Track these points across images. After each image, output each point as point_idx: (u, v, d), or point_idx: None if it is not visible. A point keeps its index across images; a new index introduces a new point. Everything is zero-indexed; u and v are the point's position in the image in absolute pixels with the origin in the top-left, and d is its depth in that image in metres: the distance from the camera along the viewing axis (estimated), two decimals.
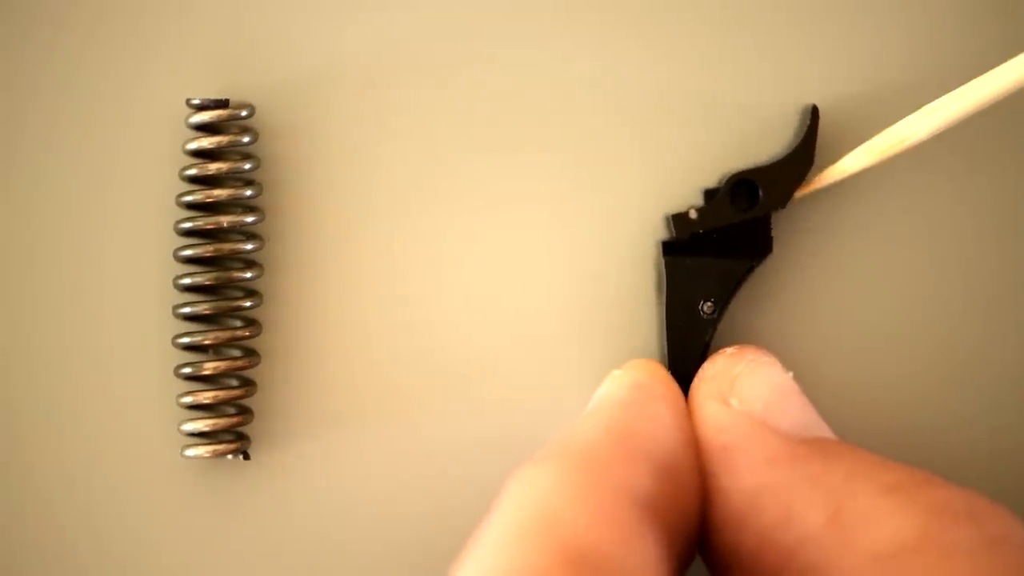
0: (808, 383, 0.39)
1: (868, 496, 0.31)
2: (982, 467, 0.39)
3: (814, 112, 0.38)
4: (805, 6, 0.40)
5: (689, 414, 0.36)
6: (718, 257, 0.38)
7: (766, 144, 0.39)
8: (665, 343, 0.38)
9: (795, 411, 0.35)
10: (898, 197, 0.40)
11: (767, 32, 0.40)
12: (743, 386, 0.35)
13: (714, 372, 0.36)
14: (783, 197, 0.38)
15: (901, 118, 0.38)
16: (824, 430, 0.35)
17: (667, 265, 0.38)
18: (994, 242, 0.40)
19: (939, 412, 0.40)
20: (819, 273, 0.40)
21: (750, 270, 0.38)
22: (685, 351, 0.38)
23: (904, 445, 0.39)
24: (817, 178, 0.38)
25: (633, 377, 0.37)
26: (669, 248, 0.39)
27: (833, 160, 0.39)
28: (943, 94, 0.38)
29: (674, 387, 0.37)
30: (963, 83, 0.37)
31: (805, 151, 0.38)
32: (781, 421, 0.35)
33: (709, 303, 0.38)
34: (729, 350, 0.37)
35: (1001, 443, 0.40)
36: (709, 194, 0.39)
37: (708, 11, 0.40)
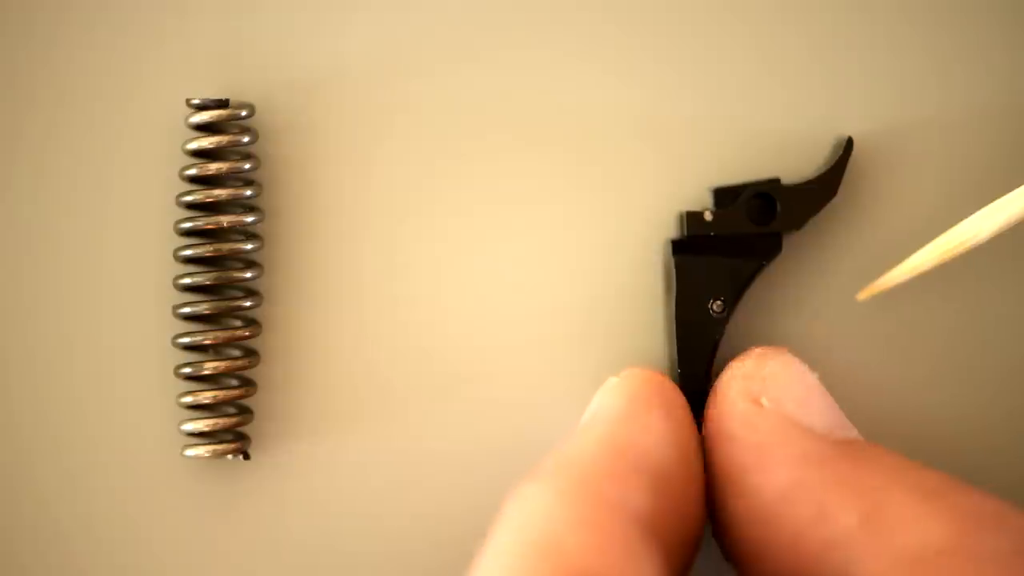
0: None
1: (902, 500, 0.31)
2: (989, 464, 0.39)
3: (848, 143, 0.38)
4: (843, 38, 0.40)
5: (686, 421, 0.36)
6: (728, 256, 0.38)
7: (783, 164, 0.39)
8: (674, 342, 0.38)
9: (825, 411, 0.35)
10: (907, 195, 0.39)
11: (799, 57, 0.40)
12: (774, 386, 0.35)
13: (744, 371, 0.36)
14: (800, 219, 0.38)
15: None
16: (851, 430, 0.35)
17: (677, 264, 0.38)
18: (1006, 236, 0.39)
19: (950, 409, 0.39)
20: (829, 272, 0.39)
21: (760, 268, 0.38)
22: (695, 350, 0.38)
23: (914, 440, 0.39)
24: (881, 280, 0.38)
25: (627, 387, 0.36)
26: (679, 246, 0.38)
27: (856, 190, 0.39)
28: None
29: (670, 393, 0.36)
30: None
31: (831, 179, 0.38)
32: (813, 421, 0.35)
33: (719, 301, 0.38)
34: (758, 350, 0.37)
35: (1011, 440, 0.39)
36: (719, 193, 0.39)
37: (741, 34, 0.40)
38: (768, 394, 0.35)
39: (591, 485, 0.32)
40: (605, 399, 0.36)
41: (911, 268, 0.38)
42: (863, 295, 0.38)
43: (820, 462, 0.33)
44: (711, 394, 0.37)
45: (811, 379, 0.36)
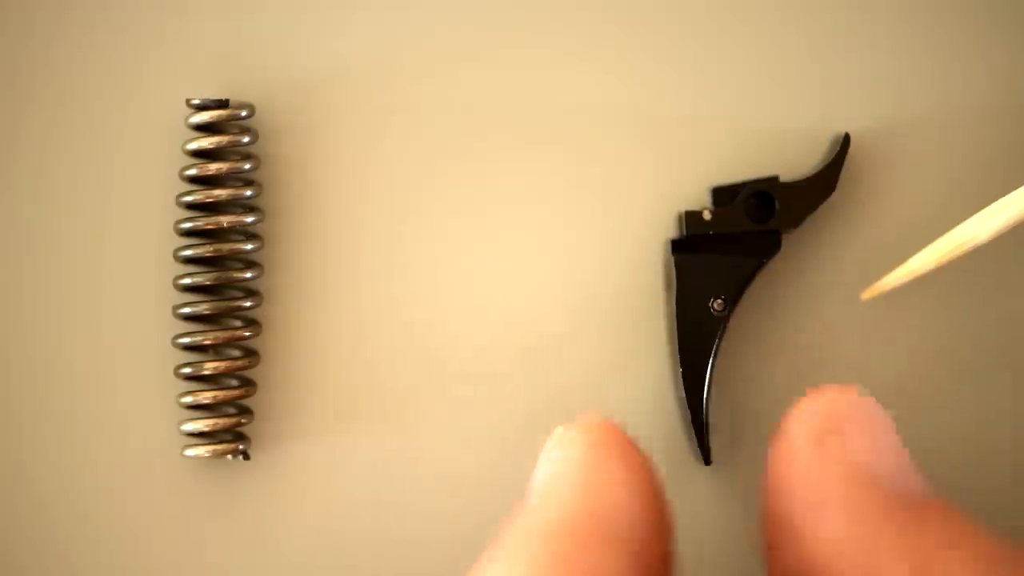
0: (818, 378, 0.39)
1: (956, 569, 0.30)
2: (986, 463, 0.39)
3: (845, 140, 0.38)
4: (841, 37, 0.40)
5: (644, 466, 0.34)
6: (727, 254, 0.38)
7: (781, 162, 0.39)
8: (675, 341, 0.38)
9: (893, 459, 0.34)
10: (905, 191, 0.39)
11: (796, 56, 0.40)
12: (845, 429, 0.35)
13: (816, 409, 0.35)
14: (798, 216, 0.38)
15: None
16: (918, 479, 0.35)
17: (676, 263, 0.38)
18: (1006, 238, 0.39)
19: (948, 406, 0.39)
20: (829, 268, 0.39)
21: (760, 267, 0.38)
22: (695, 349, 0.38)
23: (912, 439, 0.39)
24: (881, 281, 0.38)
25: (582, 442, 0.35)
26: (678, 246, 0.38)
27: (855, 187, 0.39)
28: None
29: (623, 440, 0.35)
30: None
31: (829, 176, 0.38)
32: (879, 469, 0.34)
33: (719, 300, 0.38)
34: (829, 388, 0.36)
35: (1009, 441, 0.39)
36: (717, 192, 0.39)
37: (738, 34, 0.40)
38: (835, 435, 0.35)
39: (562, 560, 0.30)
40: (560, 456, 0.35)
41: (912, 269, 0.38)
42: (866, 295, 0.38)
43: (877, 516, 0.32)
44: (778, 430, 0.36)
45: (883, 421, 0.34)
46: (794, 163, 0.39)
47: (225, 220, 0.38)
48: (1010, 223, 0.36)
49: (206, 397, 0.38)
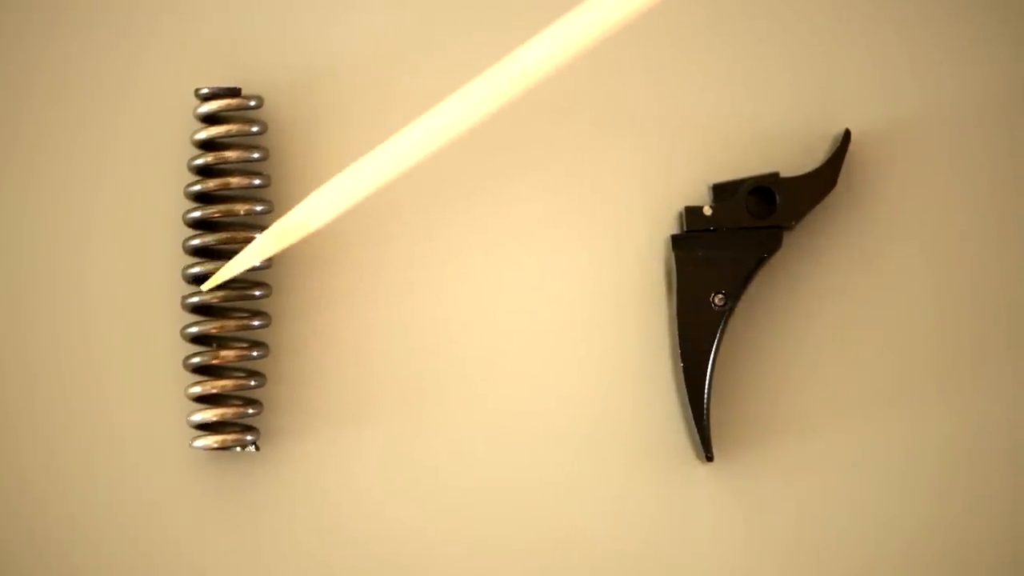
0: (817, 372, 0.39)
1: None
2: (985, 456, 0.39)
3: (846, 135, 0.38)
4: (841, 34, 0.40)
5: None
6: (728, 250, 0.38)
7: (782, 160, 0.39)
8: (676, 337, 0.38)
9: None
10: (909, 189, 0.40)
11: (797, 53, 0.40)
12: None
13: None
14: (799, 212, 0.38)
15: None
16: None
17: (677, 259, 0.38)
18: (997, 241, 0.40)
19: (946, 403, 0.39)
20: (830, 263, 0.40)
21: (762, 262, 0.38)
22: (696, 344, 0.38)
23: (909, 433, 0.39)
24: None
25: None
26: (679, 242, 0.38)
27: (856, 182, 0.39)
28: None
29: None
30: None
31: (830, 171, 0.38)
32: None
33: (720, 295, 0.38)
34: None
35: (1009, 441, 0.40)
36: (718, 188, 0.39)
37: (739, 33, 0.40)
38: None
39: None
40: None
41: None
42: None
43: None
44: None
45: None
46: (795, 160, 0.39)
47: (239, 208, 0.37)
48: None
49: (214, 387, 0.37)
